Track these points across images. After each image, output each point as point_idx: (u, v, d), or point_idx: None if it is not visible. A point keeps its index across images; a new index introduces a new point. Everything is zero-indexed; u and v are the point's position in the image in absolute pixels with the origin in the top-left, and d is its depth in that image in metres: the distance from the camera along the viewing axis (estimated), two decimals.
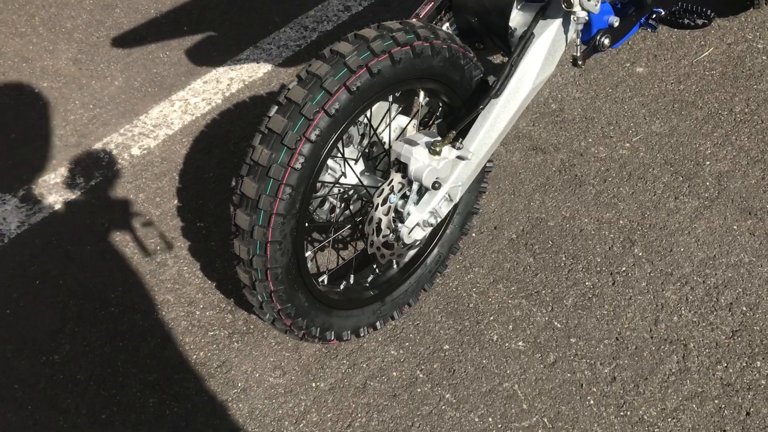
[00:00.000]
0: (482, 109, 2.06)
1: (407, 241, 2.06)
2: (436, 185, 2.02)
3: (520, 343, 2.36)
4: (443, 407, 2.21)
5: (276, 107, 1.81)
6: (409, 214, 2.07)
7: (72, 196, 2.88)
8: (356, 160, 2.13)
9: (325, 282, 2.18)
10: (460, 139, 2.03)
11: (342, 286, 2.23)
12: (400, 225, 2.07)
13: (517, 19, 2.21)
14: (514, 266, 2.56)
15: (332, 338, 2.19)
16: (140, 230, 2.73)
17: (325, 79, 1.79)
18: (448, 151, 2.01)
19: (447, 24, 2.31)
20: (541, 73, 2.16)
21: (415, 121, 2.30)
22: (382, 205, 2.02)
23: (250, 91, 3.27)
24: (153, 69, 3.42)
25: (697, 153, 2.88)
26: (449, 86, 2.10)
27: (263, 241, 1.83)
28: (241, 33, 3.58)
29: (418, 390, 2.27)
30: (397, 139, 2.08)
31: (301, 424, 2.19)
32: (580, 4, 2.06)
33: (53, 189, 2.90)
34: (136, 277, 2.57)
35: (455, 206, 2.38)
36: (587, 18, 2.12)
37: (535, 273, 2.54)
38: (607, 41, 2.27)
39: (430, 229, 2.09)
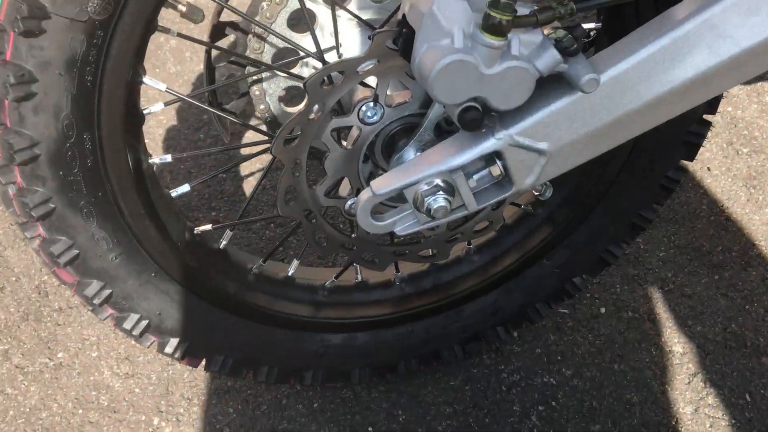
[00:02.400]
0: None
1: (363, 222, 0.85)
2: (471, 119, 0.78)
3: None
4: None
5: None
6: (397, 159, 0.86)
7: None
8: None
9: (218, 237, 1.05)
10: (587, 37, 0.76)
11: (260, 267, 1.08)
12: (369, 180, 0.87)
13: None
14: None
15: (186, 359, 1.06)
16: None
17: None
18: (533, 51, 0.75)
19: None
20: None
21: None
22: (333, 113, 0.84)
23: None
24: None
25: None
26: None
27: None
28: None
29: None
30: None
31: None
32: None
33: None
34: None
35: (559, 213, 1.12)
36: None
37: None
38: None
39: (434, 221, 0.85)
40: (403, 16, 0.79)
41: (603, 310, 1.34)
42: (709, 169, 1.60)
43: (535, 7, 0.75)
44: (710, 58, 0.80)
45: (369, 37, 0.99)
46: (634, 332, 1.31)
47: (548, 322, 1.32)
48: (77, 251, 0.91)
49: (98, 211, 0.89)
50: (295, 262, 1.12)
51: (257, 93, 1.05)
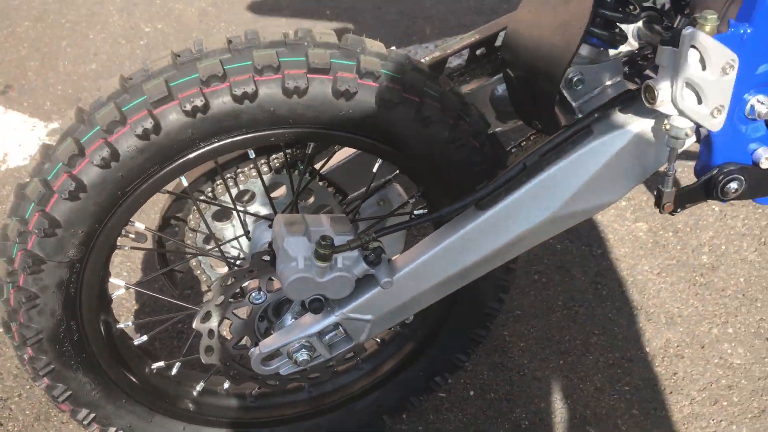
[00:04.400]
0: (441, 216, 1.22)
1: (256, 369, 1.29)
2: (315, 307, 1.23)
3: None
4: None
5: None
6: (280, 327, 1.31)
7: None
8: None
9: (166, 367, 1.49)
10: (383, 254, 1.21)
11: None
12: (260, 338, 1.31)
13: (580, 92, 1.31)
14: None
15: None
16: None
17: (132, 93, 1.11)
18: (351, 263, 1.20)
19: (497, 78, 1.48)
20: (582, 198, 1.24)
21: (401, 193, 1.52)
22: (232, 299, 1.29)
23: None
24: None
25: None
26: (417, 162, 1.29)
27: (9, 282, 1.21)
28: (381, 33, 2.95)
29: None
30: (286, 212, 1.33)
31: None
32: (674, 103, 1.12)
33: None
34: None
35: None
36: (690, 134, 1.16)
37: None
38: (735, 186, 1.26)
39: (303, 366, 1.30)
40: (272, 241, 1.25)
41: (472, 392, 1.77)
42: (568, 270, 2.04)
43: (349, 240, 1.20)
44: (472, 252, 1.25)
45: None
46: (493, 411, 1.74)
47: (430, 404, 1.75)
48: (70, 392, 1.35)
49: (83, 366, 1.33)
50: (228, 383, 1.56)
51: (194, 264, 1.50)
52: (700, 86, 1.10)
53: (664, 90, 1.11)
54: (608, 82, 1.33)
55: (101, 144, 1.11)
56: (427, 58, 1.47)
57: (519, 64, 1.36)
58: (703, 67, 1.08)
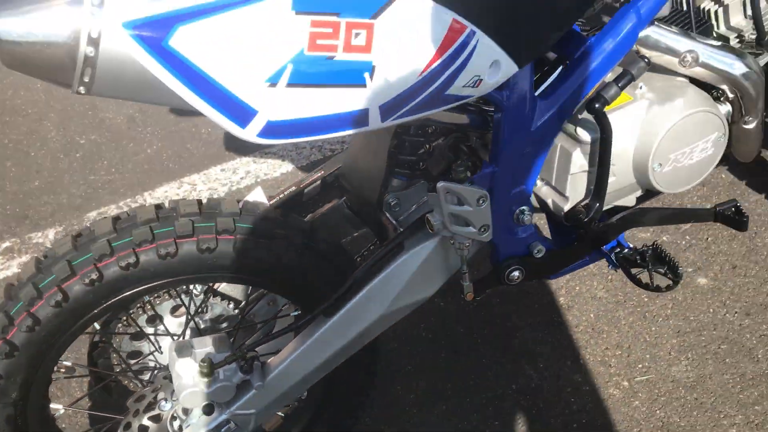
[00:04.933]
0: (297, 327, 1.60)
1: None
2: (207, 410, 1.60)
3: None
4: None
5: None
6: (187, 423, 1.67)
7: None
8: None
9: None
10: (255, 361, 1.59)
11: None
12: None
13: (398, 212, 1.69)
14: None
15: None
16: None
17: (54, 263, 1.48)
18: (231, 373, 1.57)
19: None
20: (404, 298, 1.62)
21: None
22: (145, 411, 1.65)
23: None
24: (188, 144, 3.31)
25: (719, 428, 2.06)
26: (278, 284, 1.67)
27: None
28: None
29: None
30: (179, 338, 1.70)
31: None
32: (448, 228, 1.50)
33: (30, 248, 2.89)
34: None
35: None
36: (471, 243, 1.55)
37: None
38: (517, 273, 1.66)
39: None
40: None
41: None
42: (451, 325, 2.42)
43: (226, 356, 1.57)
44: (324, 350, 1.62)
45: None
46: None
47: None
48: None
49: None
50: None
51: (129, 374, 1.86)
52: (464, 216, 1.49)
53: (437, 222, 1.50)
54: (422, 201, 1.73)
55: (25, 316, 1.48)
56: (286, 192, 1.85)
57: (351, 194, 1.75)
58: (462, 204, 1.47)
